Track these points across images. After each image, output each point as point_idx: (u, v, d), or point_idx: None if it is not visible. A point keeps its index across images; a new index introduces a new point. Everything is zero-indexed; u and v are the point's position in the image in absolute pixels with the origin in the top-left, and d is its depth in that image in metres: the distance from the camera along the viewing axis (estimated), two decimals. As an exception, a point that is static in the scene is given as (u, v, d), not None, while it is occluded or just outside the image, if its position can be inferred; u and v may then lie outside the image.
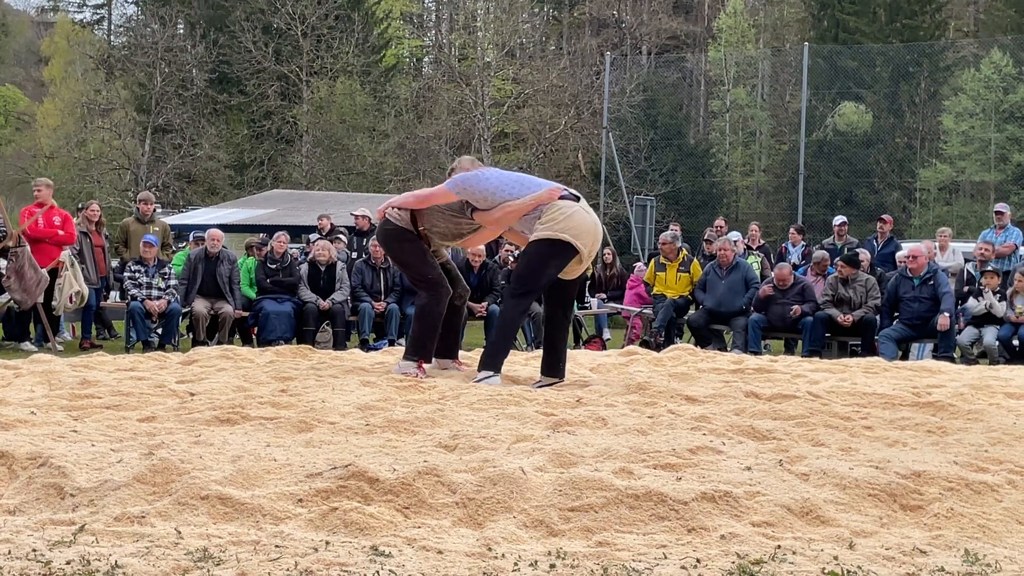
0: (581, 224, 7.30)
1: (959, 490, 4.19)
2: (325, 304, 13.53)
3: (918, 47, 32.04)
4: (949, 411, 6.08)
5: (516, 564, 3.38)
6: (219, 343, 12.21)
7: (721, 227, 17.53)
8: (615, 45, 40.71)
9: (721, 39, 37.67)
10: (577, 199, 7.44)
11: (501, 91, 39.41)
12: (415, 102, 40.60)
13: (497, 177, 7.49)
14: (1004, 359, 12.08)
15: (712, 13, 43.28)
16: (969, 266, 14.33)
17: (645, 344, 13.38)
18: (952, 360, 11.64)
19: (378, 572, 3.23)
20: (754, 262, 15.65)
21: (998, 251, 14.44)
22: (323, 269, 13.87)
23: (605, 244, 22.91)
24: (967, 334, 12.90)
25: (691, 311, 14.32)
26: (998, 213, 15.55)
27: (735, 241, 15.33)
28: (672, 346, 10.99)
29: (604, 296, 16.41)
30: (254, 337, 13.64)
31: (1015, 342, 12.44)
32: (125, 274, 13.62)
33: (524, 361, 9.21)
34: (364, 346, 12.85)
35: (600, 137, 29.94)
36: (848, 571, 3.37)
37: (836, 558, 3.50)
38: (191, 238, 17.06)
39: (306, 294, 13.62)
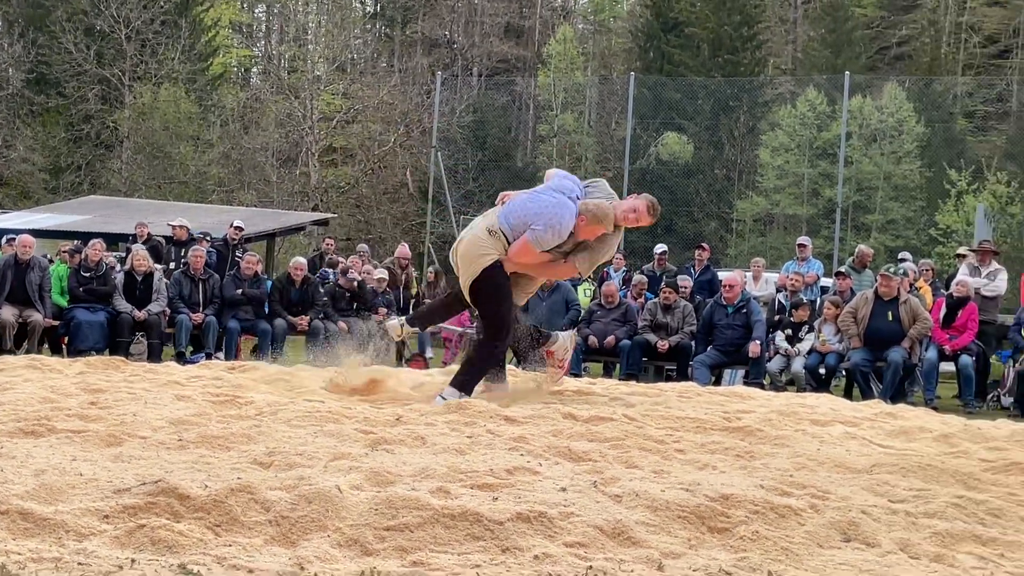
0: None
1: (764, 513, 4.31)
2: (141, 315, 13.18)
3: (738, 82, 33.07)
4: (757, 436, 6.26)
5: (329, 584, 3.35)
6: (27, 352, 11.77)
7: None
8: (446, 65, 40.85)
9: (550, 65, 38.17)
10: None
11: (330, 105, 39.12)
12: (242, 112, 39.96)
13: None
14: (810, 386, 12.52)
15: (542, 39, 43.82)
16: (780, 296, 14.82)
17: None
18: (762, 386, 12.01)
19: (185, 591, 3.15)
20: (586, 289, 15.89)
21: (804, 280, 15.02)
22: (140, 279, 13.51)
23: (430, 263, 22.97)
24: (776, 362, 13.35)
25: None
26: (800, 246, 16.19)
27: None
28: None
29: (428, 315, 16.39)
30: (64, 347, 13.18)
31: (821, 370, 12.91)
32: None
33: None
34: (180, 359, 12.56)
35: (429, 156, 30.00)
36: (657, 591, 3.44)
37: (645, 579, 3.57)
38: (1, 242, 16.39)
39: (121, 304, 13.24)
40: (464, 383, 7.61)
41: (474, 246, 7.58)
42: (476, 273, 7.56)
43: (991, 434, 6.88)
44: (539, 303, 13.99)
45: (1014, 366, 12.96)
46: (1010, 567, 4.05)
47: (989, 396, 13.46)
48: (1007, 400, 13.10)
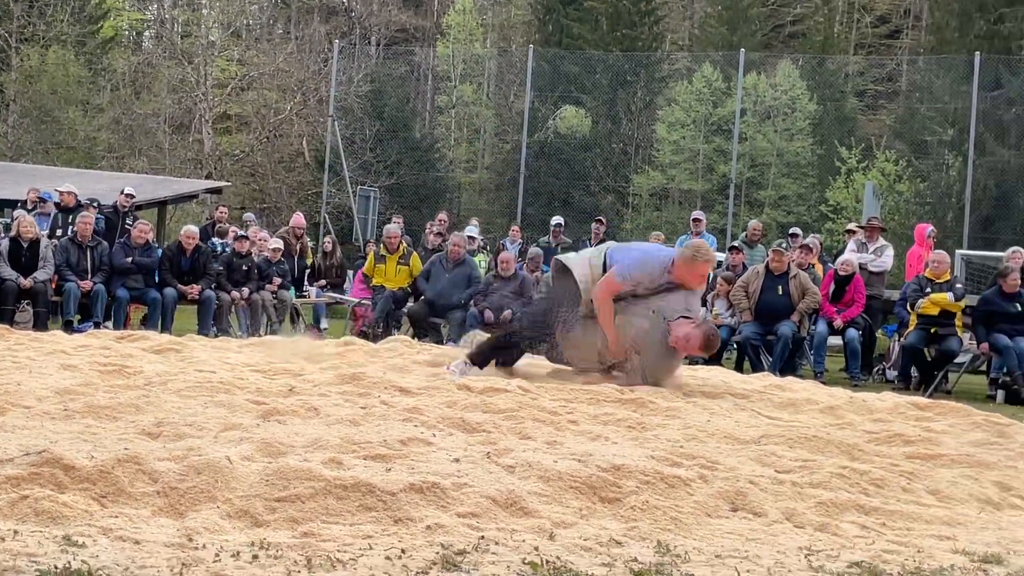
0: None
1: (655, 483, 4.37)
2: (26, 282, 12.85)
3: (636, 57, 33.23)
4: (649, 408, 6.33)
5: (217, 555, 3.31)
6: (-94, 320, 11.43)
7: (443, 221, 17.76)
8: (344, 34, 40.40)
9: (449, 35, 37.99)
10: None
11: (225, 72, 38.49)
12: (133, 77, 39.11)
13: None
14: (702, 359, 12.69)
15: (441, 9, 43.58)
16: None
17: (363, 335, 13.37)
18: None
19: (69, 563, 3.09)
20: (481, 260, 15.97)
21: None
22: (26, 245, 13.17)
23: (326, 233, 22.76)
24: (670, 334, 13.49)
25: (410, 304, 14.41)
26: (695, 220, 16.42)
27: (472, 237, 15.63)
28: (389, 337, 11.02)
29: (324, 284, 16.28)
30: (-54, 315, 12.81)
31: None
32: None
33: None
34: (68, 328, 12.28)
35: (326, 125, 29.72)
36: (547, 561, 3.47)
37: (537, 548, 3.59)
38: None
39: (5, 271, 12.90)
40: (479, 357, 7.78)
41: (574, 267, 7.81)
42: (564, 276, 7.78)
43: (876, 406, 7.06)
44: (442, 273, 13.97)
45: (899, 340, 13.29)
46: (891, 536, 4.16)
47: (875, 369, 13.81)
48: (892, 373, 13.44)
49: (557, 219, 17.37)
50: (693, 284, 7.55)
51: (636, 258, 7.56)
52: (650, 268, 7.47)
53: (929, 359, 12.50)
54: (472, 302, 13.76)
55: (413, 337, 12.38)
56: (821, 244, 15.90)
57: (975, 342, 12.64)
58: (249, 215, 19.55)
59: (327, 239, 17.77)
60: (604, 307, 7.49)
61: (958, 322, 12.44)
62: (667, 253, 7.68)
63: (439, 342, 12.81)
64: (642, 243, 8.04)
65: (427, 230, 17.55)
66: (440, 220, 17.78)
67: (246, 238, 14.96)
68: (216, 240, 16.43)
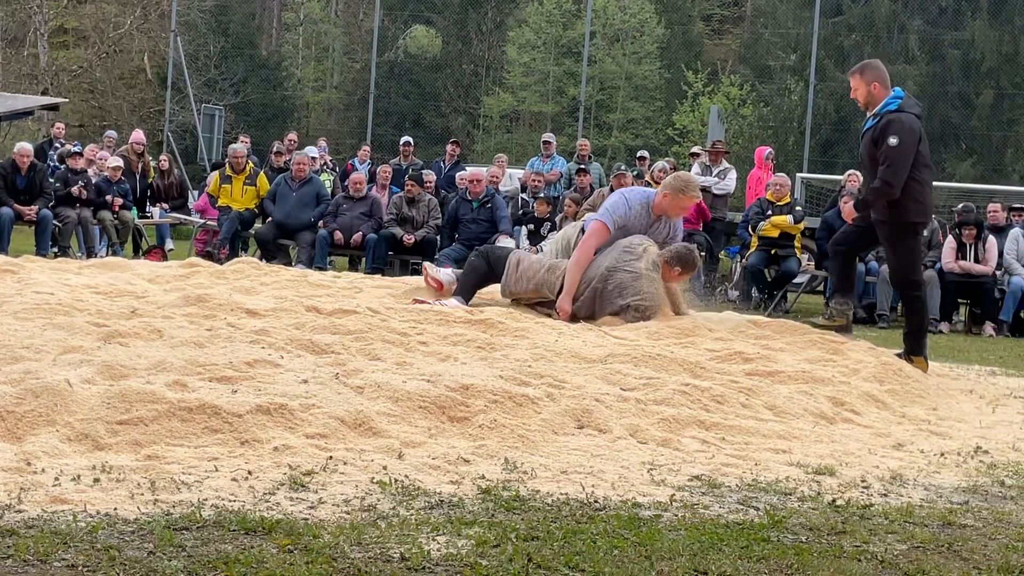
0: None
1: (503, 402, 4.42)
2: None
3: (488, -25, 33.01)
4: (498, 328, 6.38)
5: (57, 479, 3.25)
6: None
7: (293, 141, 17.47)
8: (187, -55, 39.08)
9: (297, -51, 37.13)
10: None
11: (61, -17, 36.93)
12: (-38, -14, 37.27)
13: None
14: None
15: (289, -78, 42.46)
16: (524, 194, 15.07)
17: (208, 256, 13.13)
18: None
19: (-101, 491, 3.00)
20: (327, 179, 15.79)
21: (546, 179, 15.33)
22: None
23: (169, 151, 22.19)
24: (520, 256, 13.59)
25: (257, 225, 14.18)
26: (545, 143, 16.53)
27: (313, 157, 15.41)
28: (236, 259, 10.83)
29: (167, 206, 15.89)
30: None
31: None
32: None
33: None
34: None
35: (168, 41, 28.81)
36: (396, 480, 3.49)
37: (385, 468, 3.61)
38: None
39: None
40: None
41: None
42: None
43: (718, 325, 7.22)
44: (289, 194, 13.75)
45: (741, 261, 13.63)
46: (730, 450, 4.30)
47: (717, 290, 14.14)
48: (733, 293, 13.80)
49: (406, 138, 17.28)
50: (675, 215, 7.53)
51: (615, 200, 7.53)
52: (633, 204, 7.43)
53: (769, 279, 12.88)
54: (321, 223, 13.61)
55: (261, 259, 12.21)
56: (674, 168, 16.08)
57: (813, 263, 13.04)
58: (111, 132, 18.78)
59: (163, 157, 17.30)
60: (583, 256, 7.30)
61: (797, 243, 12.82)
62: (643, 190, 7.67)
63: (288, 264, 12.66)
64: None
65: (273, 150, 17.25)
66: (290, 140, 17.49)
67: (80, 155, 14.47)
68: (59, 165, 15.89)
